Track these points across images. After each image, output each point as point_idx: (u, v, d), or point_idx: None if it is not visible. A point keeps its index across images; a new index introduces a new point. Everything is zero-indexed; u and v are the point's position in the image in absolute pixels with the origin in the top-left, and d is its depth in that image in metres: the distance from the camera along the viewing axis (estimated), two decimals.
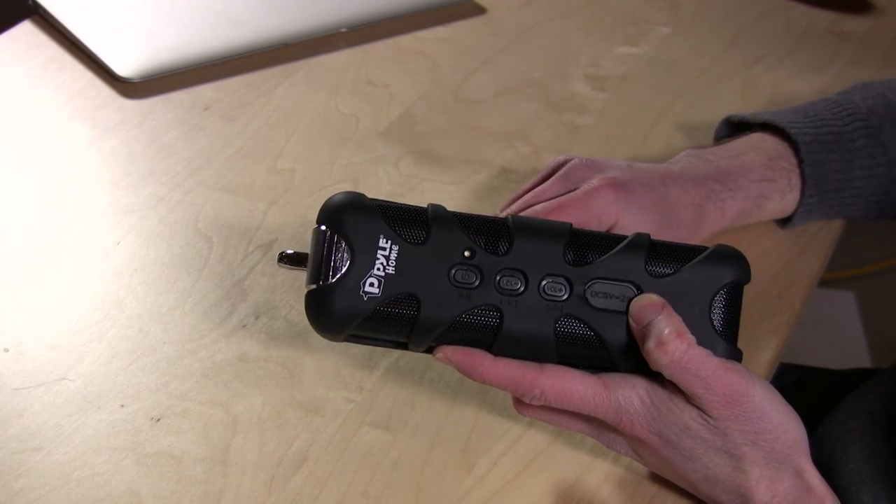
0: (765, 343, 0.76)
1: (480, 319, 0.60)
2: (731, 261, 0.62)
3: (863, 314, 1.90)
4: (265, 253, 0.78)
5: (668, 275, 0.61)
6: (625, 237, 0.61)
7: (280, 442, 0.66)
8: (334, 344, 0.72)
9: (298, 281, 0.76)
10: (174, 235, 0.79)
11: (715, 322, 0.60)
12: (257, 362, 0.71)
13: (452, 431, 0.68)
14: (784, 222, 0.83)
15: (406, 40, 1.02)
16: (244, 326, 0.73)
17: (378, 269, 0.60)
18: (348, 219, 0.60)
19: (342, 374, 0.71)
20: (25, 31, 0.98)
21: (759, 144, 0.82)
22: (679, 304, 0.60)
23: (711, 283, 0.61)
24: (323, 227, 0.60)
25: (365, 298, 0.59)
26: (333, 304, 0.59)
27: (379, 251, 0.60)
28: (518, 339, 0.60)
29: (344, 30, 1.01)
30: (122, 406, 0.67)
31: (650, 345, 0.58)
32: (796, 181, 0.81)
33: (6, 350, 0.70)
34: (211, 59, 0.96)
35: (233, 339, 0.72)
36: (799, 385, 0.99)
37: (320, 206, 0.60)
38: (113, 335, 0.72)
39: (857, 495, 0.76)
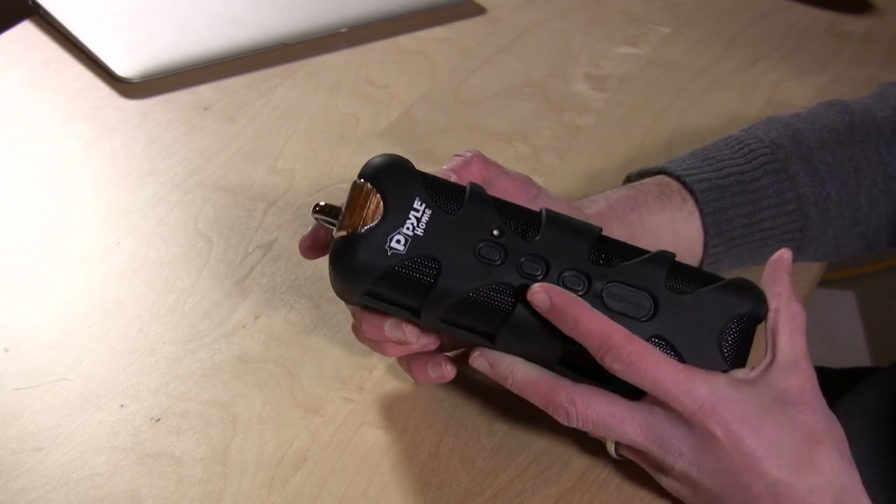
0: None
1: (496, 297, 0.60)
2: (749, 293, 0.62)
3: (863, 314, 1.90)
4: (265, 253, 0.78)
5: (686, 292, 0.61)
6: (649, 251, 0.62)
7: (280, 442, 0.66)
8: (334, 344, 0.72)
9: (298, 281, 0.76)
10: (174, 235, 0.79)
11: (724, 348, 0.61)
12: (257, 362, 0.71)
13: (453, 432, 0.68)
14: None
15: (406, 40, 1.02)
16: (244, 326, 0.73)
17: (407, 229, 0.61)
18: (389, 176, 0.62)
19: (342, 374, 0.71)
20: (25, 31, 0.98)
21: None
22: (690, 323, 0.60)
23: (727, 310, 0.61)
24: (362, 181, 0.62)
25: (389, 254, 0.60)
26: (357, 254, 0.60)
27: (412, 212, 0.61)
28: (529, 323, 0.60)
29: (344, 30, 1.01)
30: (122, 406, 0.67)
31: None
32: (692, 207, 0.74)
33: (6, 350, 0.70)
34: (211, 59, 0.96)
35: (233, 339, 0.72)
36: None
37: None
38: (113, 335, 0.72)
39: None
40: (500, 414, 0.69)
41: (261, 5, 1.02)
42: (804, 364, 0.61)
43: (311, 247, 0.66)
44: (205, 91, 0.94)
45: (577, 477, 0.66)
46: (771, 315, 0.62)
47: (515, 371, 0.62)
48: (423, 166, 0.63)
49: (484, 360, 0.63)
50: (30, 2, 0.98)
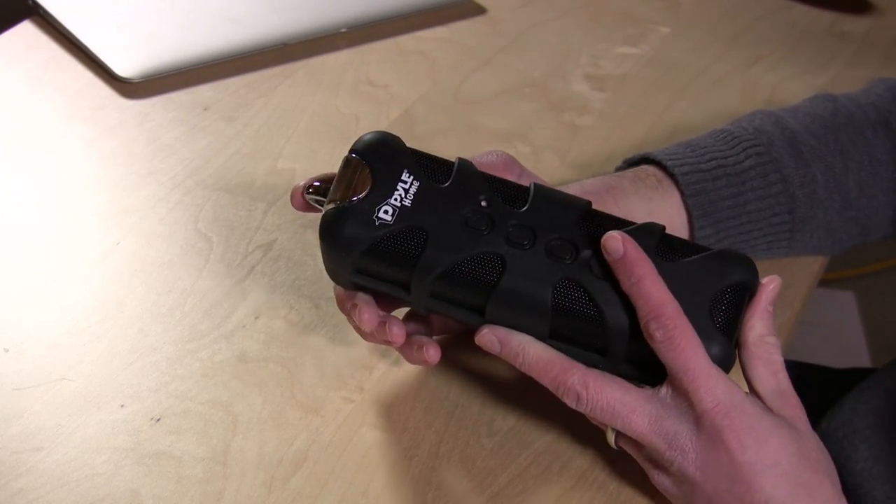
0: None
1: (484, 265, 0.60)
2: (740, 262, 0.62)
3: (863, 314, 1.90)
4: (265, 253, 0.78)
5: (676, 261, 0.61)
6: (638, 223, 0.63)
7: (280, 442, 0.66)
8: (334, 344, 0.72)
9: (298, 281, 0.76)
10: (174, 235, 0.79)
11: (715, 317, 0.61)
12: (257, 362, 0.71)
13: (453, 432, 0.68)
14: None
15: (406, 40, 1.02)
16: (244, 326, 0.73)
17: (395, 200, 0.61)
18: (378, 150, 0.63)
19: (342, 374, 0.71)
20: (25, 31, 0.98)
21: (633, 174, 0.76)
22: (680, 291, 0.60)
23: (718, 278, 0.61)
24: (353, 155, 0.63)
25: (377, 223, 0.61)
26: (346, 225, 0.61)
27: (400, 183, 0.62)
28: (519, 292, 0.60)
29: (344, 30, 1.01)
30: (122, 406, 0.67)
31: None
32: (669, 185, 0.75)
33: (6, 350, 0.70)
34: (211, 59, 0.96)
35: (233, 339, 0.72)
36: (798, 382, 0.99)
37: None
38: (113, 335, 0.72)
39: (871, 492, 0.76)
40: (500, 414, 0.69)
41: (261, 5, 1.02)
42: (790, 394, 0.61)
43: (303, 203, 0.66)
44: (205, 91, 0.94)
45: (577, 477, 0.66)
46: (742, 350, 0.62)
47: (527, 349, 0.61)
48: None
49: (493, 337, 0.62)
50: (30, 2, 0.98)
